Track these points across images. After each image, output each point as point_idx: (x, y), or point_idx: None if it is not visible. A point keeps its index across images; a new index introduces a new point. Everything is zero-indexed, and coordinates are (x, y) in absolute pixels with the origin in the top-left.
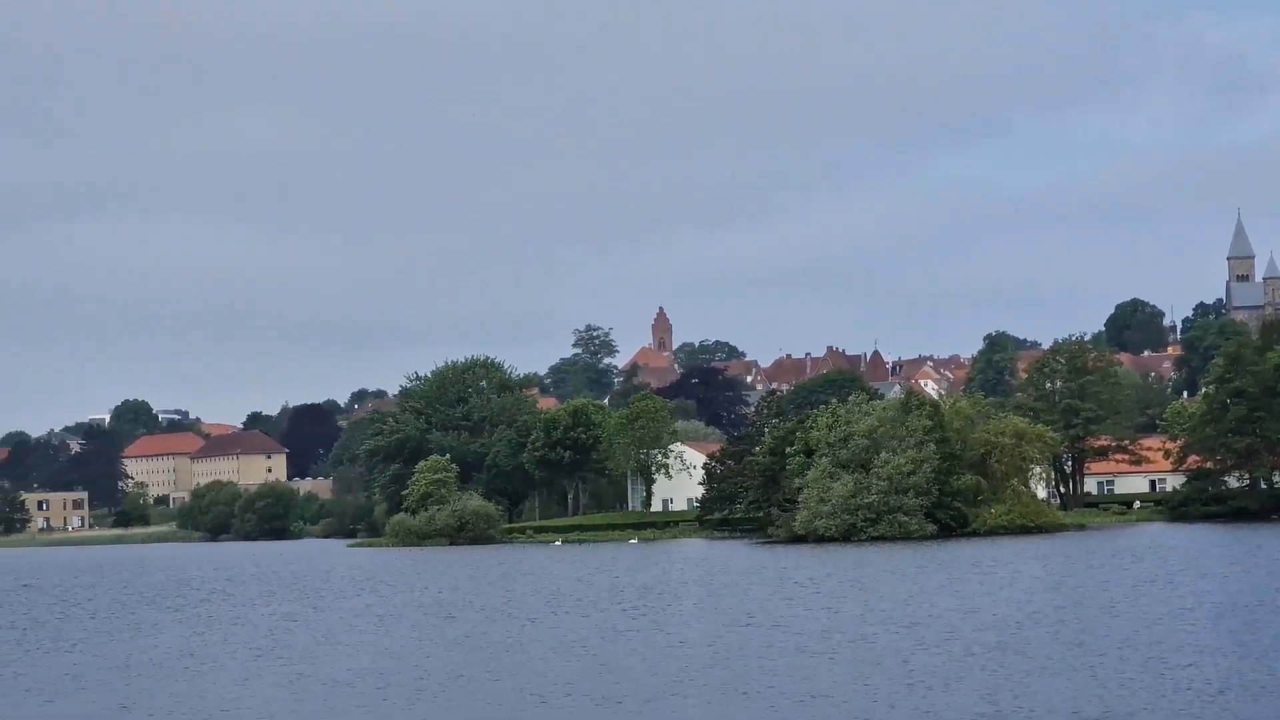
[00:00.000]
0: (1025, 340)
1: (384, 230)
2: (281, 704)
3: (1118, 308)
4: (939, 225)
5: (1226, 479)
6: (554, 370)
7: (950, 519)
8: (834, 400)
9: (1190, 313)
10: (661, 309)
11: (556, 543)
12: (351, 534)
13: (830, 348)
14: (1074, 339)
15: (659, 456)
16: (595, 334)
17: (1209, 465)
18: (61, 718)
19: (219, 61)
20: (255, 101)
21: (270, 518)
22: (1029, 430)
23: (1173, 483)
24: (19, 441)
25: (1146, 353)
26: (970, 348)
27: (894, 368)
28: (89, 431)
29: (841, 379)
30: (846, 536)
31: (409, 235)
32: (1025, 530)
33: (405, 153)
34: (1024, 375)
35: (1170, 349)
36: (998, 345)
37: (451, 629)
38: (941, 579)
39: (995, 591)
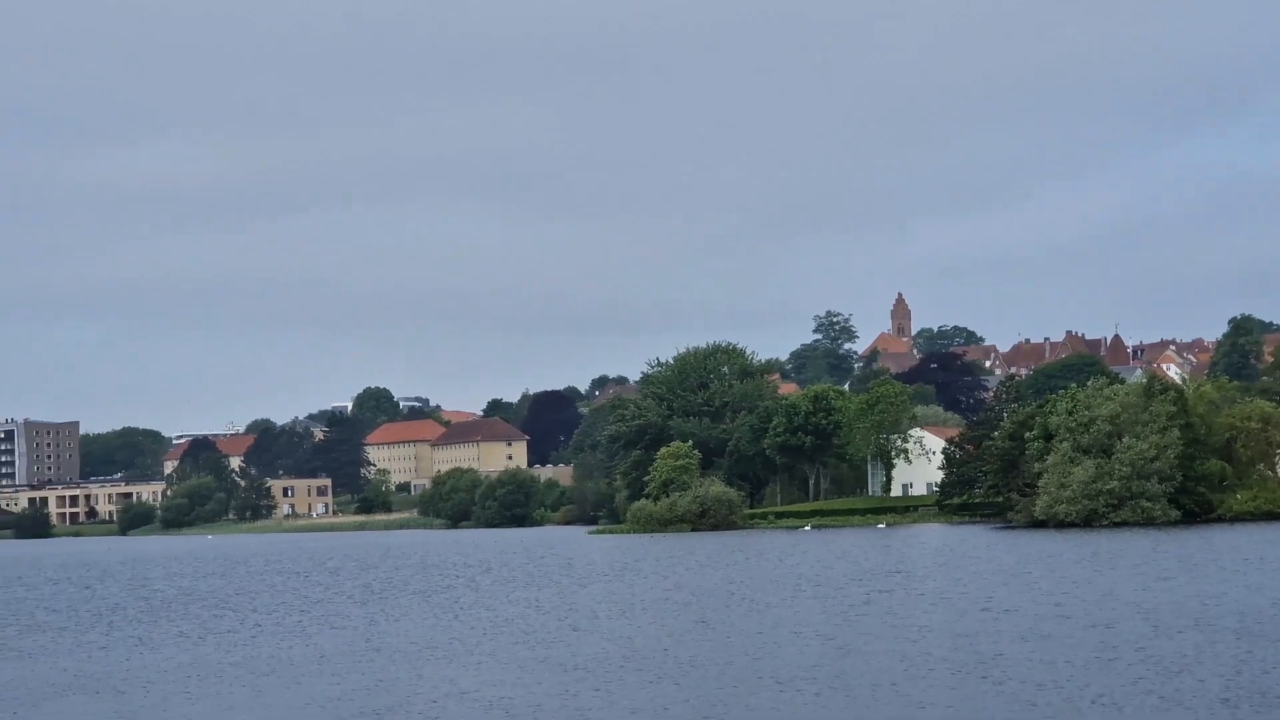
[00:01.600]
0: (1271, 323)
1: (626, 217)
2: (521, 687)
3: None
4: (1182, 208)
5: None
6: (794, 356)
7: (1194, 505)
8: (1074, 385)
9: None
10: (901, 295)
11: (806, 528)
12: (592, 521)
13: (1069, 332)
14: None
15: (898, 441)
16: (835, 320)
17: None
18: (326, 699)
19: (464, 56)
20: (501, 94)
21: (511, 505)
22: (1276, 414)
23: None
24: (265, 429)
25: None
26: (1214, 331)
27: (1135, 352)
28: (332, 419)
29: (1081, 363)
30: (1087, 522)
31: (651, 222)
32: (1272, 516)
33: (648, 140)
34: (1270, 359)
35: None
36: (1243, 328)
37: (693, 614)
38: (1184, 565)
39: (1239, 578)
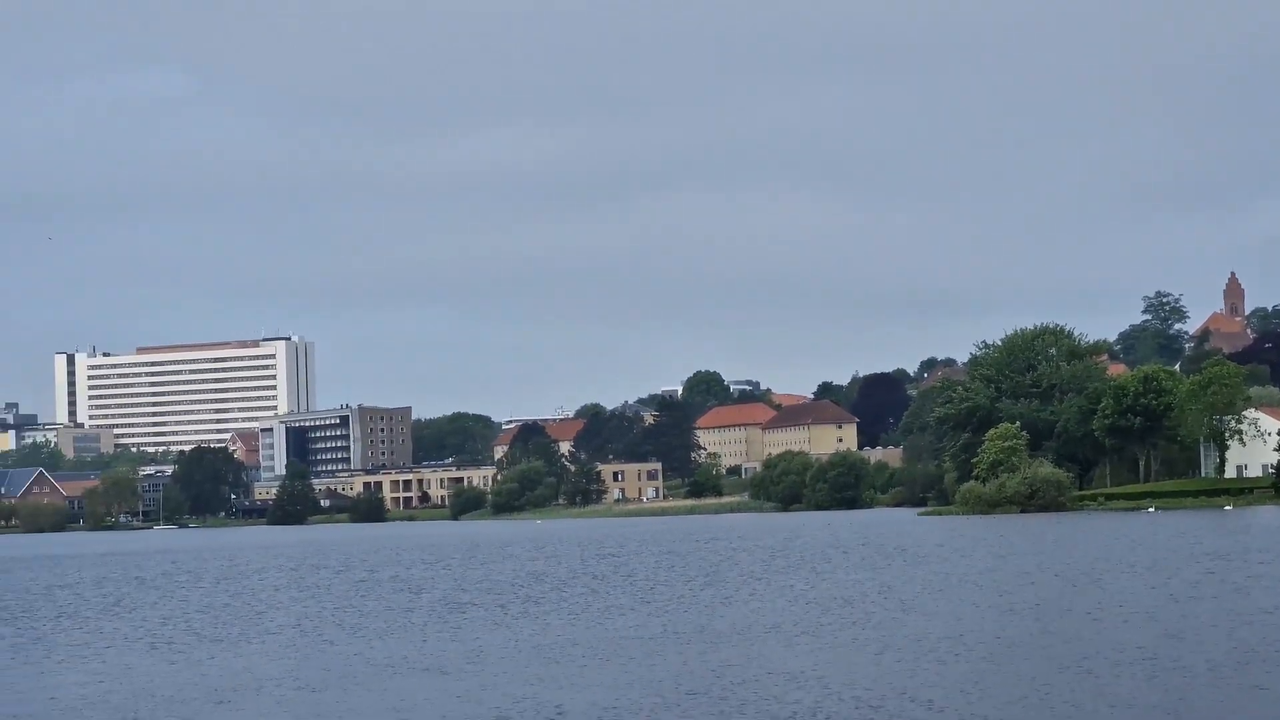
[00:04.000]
0: None
1: (955, 199)
2: (836, 666)
3: None
4: None
5: None
6: (1123, 337)
7: None
8: None
9: None
10: (1234, 274)
11: (1150, 509)
12: (922, 502)
13: None
14: None
15: (1232, 423)
16: (1165, 300)
17: None
18: (649, 680)
19: (793, 44)
20: (835, 77)
21: (841, 487)
22: None
23: None
24: (594, 414)
25: None
26: None
27: None
28: (662, 403)
29: None
30: None
31: (980, 204)
32: None
33: (975, 124)
34: None
35: None
36: None
37: (1020, 596)
38: None
39: None
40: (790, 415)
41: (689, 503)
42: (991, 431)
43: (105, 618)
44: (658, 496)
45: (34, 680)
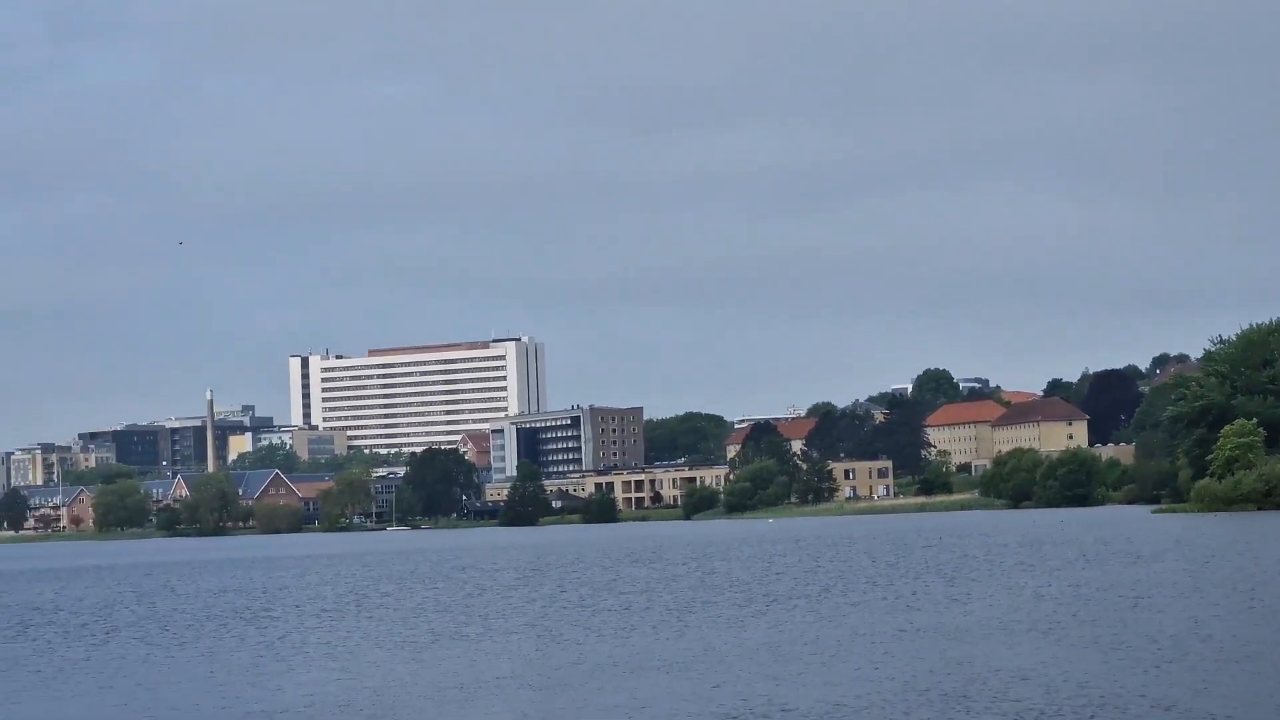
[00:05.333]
0: None
1: (1191, 193)
2: (1067, 664)
3: None
4: None
5: None
6: None
7: None
8: None
9: None
10: None
11: None
12: (1154, 500)
13: None
14: None
15: None
16: None
17: None
18: (889, 676)
19: (1028, 36)
20: (1067, 73)
21: (1072, 484)
22: None
23: None
24: (825, 412)
25: None
26: None
27: None
28: (892, 401)
29: None
30: None
31: (1215, 197)
32: None
33: (1211, 115)
34: None
35: None
36: None
37: (1259, 595)
38: None
39: None
40: (1020, 412)
41: (919, 500)
42: (1227, 428)
43: (347, 617)
44: (888, 494)
45: (285, 678)
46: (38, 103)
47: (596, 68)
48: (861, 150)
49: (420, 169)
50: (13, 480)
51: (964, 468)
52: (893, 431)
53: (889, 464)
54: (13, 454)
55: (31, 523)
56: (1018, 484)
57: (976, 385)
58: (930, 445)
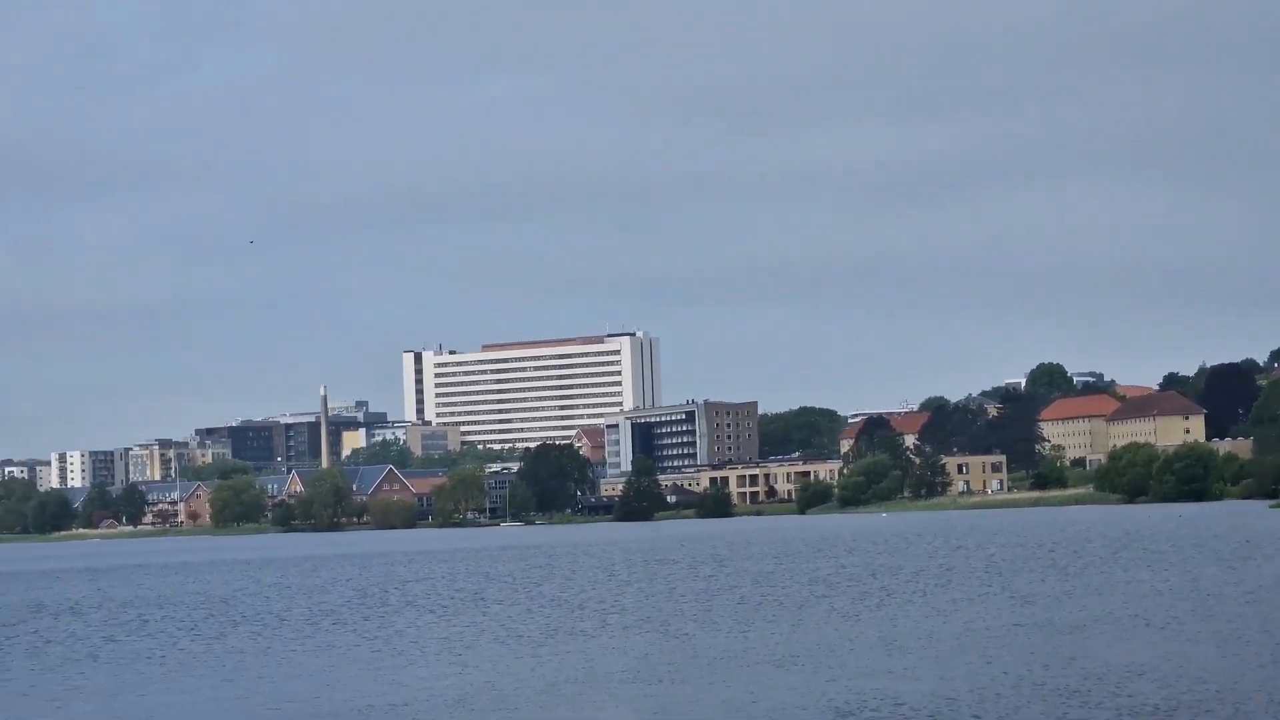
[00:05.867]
0: None
1: None
2: (1183, 659)
3: None
4: None
5: None
6: None
7: None
8: None
9: None
10: None
11: None
12: (1272, 495)
13: None
14: None
15: None
16: None
17: None
18: (1003, 670)
19: (1135, 31)
20: (1173, 65)
21: (1188, 479)
22: None
23: None
24: (938, 406)
25: None
26: None
27: None
28: (1006, 395)
29: None
30: None
31: None
32: None
33: None
34: None
35: None
36: None
37: None
38: None
39: None
40: (1135, 407)
41: (1033, 494)
42: None
43: (464, 611)
44: (1002, 489)
45: (403, 672)
46: (156, 101)
47: (701, 65)
48: (968, 147)
49: (531, 165)
50: (131, 476)
51: (1078, 462)
52: (1006, 426)
53: (1003, 458)
54: (131, 450)
55: (149, 518)
56: (1133, 478)
57: (1090, 379)
58: (1044, 439)
